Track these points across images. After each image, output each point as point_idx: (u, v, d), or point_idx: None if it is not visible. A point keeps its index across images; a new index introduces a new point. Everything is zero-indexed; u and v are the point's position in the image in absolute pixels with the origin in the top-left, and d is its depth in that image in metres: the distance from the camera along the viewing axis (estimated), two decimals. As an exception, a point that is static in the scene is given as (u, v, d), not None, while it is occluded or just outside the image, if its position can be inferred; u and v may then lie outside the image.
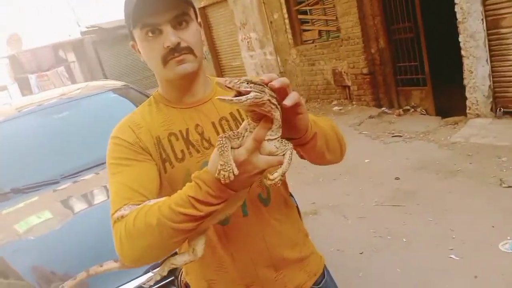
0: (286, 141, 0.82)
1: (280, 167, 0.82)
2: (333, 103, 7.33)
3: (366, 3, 6.23)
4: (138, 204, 0.91)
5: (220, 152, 0.77)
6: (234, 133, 0.80)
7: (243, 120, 1.04)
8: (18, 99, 10.68)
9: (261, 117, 0.78)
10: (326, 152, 1.00)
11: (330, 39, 7.10)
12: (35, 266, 2.09)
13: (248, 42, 8.97)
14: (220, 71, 10.63)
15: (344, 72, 6.89)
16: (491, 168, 3.70)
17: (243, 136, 0.80)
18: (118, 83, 4.12)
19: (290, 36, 7.77)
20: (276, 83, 0.77)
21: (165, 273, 1.00)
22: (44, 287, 1.97)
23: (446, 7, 5.50)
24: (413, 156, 4.44)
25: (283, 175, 0.82)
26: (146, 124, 1.04)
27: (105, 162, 1.02)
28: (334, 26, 6.95)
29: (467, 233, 2.90)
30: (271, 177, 0.82)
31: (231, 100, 0.72)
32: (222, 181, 0.77)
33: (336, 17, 6.73)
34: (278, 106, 0.78)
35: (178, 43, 0.96)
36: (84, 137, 3.19)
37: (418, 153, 4.51)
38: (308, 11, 7.42)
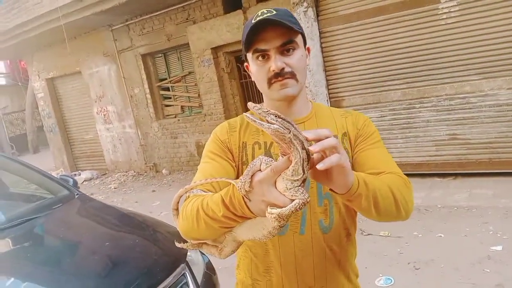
0: (303, 191, 0.80)
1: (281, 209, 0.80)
2: (197, 174, 7.58)
3: (226, 84, 6.92)
4: (205, 191, 1.03)
5: (249, 166, 0.84)
6: (268, 159, 0.85)
7: None
8: None
9: (286, 154, 0.80)
10: (373, 212, 0.95)
11: (193, 114, 7.52)
12: None
13: (105, 114, 8.77)
14: (69, 145, 9.97)
15: (207, 145, 7.29)
16: (350, 222, 4.35)
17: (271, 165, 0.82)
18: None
19: (152, 110, 7.94)
20: (315, 148, 0.77)
21: (190, 248, 1.10)
22: None
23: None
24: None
25: (280, 217, 0.80)
26: (240, 129, 1.17)
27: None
28: (196, 102, 7.42)
29: (347, 276, 3.34)
30: (268, 210, 0.82)
31: (255, 120, 0.77)
32: (238, 191, 0.84)
33: (199, 95, 7.23)
34: (302, 151, 0.78)
35: (283, 68, 1.05)
36: None
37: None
38: (170, 87, 7.78)
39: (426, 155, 5.06)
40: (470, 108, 4.65)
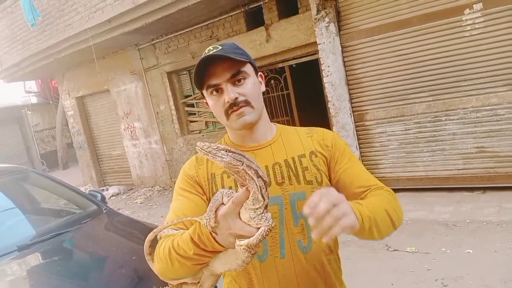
0: (267, 217, 0.84)
1: (249, 239, 0.83)
2: (221, 189, 7.65)
3: (249, 99, 6.98)
4: (177, 230, 1.06)
5: (211, 201, 0.87)
6: (229, 191, 0.88)
7: (296, 168, 1.16)
8: None
9: (244, 185, 0.84)
10: (375, 236, 1.03)
11: (216, 130, 7.61)
12: None
13: (131, 131, 8.98)
14: (97, 161, 10.23)
15: (231, 160, 7.35)
16: (376, 237, 4.28)
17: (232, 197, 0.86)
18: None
19: (177, 126, 8.09)
20: (317, 235, 0.82)
21: None
22: None
23: (318, 103, 6.54)
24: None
25: (249, 247, 0.83)
26: (207, 161, 1.19)
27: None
28: (220, 118, 7.52)
29: (373, 292, 3.29)
30: (236, 242, 0.85)
31: (208, 154, 0.81)
32: (204, 227, 0.87)
33: (222, 110, 7.32)
34: (257, 180, 0.82)
35: (236, 98, 1.09)
36: None
37: (310, 229, 4.95)
38: (195, 104, 7.92)
39: (453, 169, 4.95)
40: (498, 120, 4.55)
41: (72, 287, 2.32)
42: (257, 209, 0.83)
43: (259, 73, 1.20)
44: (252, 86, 1.13)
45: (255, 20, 6.55)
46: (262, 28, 6.35)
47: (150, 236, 1.08)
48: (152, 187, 8.96)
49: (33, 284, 2.41)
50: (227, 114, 1.12)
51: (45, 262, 2.65)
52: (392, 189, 4.42)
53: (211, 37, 7.10)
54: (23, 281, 2.45)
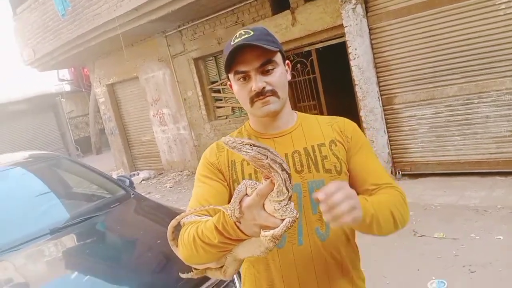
0: (291, 208, 0.86)
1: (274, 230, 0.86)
2: (248, 174, 7.71)
3: (275, 83, 6.94)
4: (199, 216, 1.08)
5: (235, 193, 0.90)
6: (253, 182, 0.90)
7: (315, 156, 1.17)
8: None
9: (269, 177, 0.86)
10: (374, 232, 1.05)
11: (243, 115, 7.63)
12: None
13: (160, 117, 9.14)
14: (128, 146, 10.49)
15: (258, 145, 7.37)
16: (403, 222, 4.23)
17: (256, 188, 0.88)
18: (21, 155, 3.67)
19: (204, 112, 8.16)
20: (329, 218, 0.87)
21: (195, 277, 1.16)
22: None
23: (346, 87, 6.44)
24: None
25: (274, 238, 0.86)
26: (228, 149, 1.19)
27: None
28: (246, 103, 7.53)
29: (398, 277, 3.25)
30: (262, 233, 0.87)
31: (233, 149, 0.83)
32: (229, 217, 0.90)
33: (249, 95, 7.33)
34: (282, 173, 0.83)
35: (263, 87, 1.10)
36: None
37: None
38: (221, 89, 7.96)
39: (486, 153, 4.80)
40: (534, 102, 4.36)
41: (103, 268, 2.42)
42: (281, 201, 0.85)
43: (286, 61, 1.20)
44: (280, 75, 1.13)
45: (280, 4, 6.47)
46: (288, 11, 6.27)
47: (173, 223, 1.11)
48: (181, 171, 9.13)
49: (64, 265, 2.53)
50: (252, 102, 1.13)
51: (75, 244, 2.77)
52: (422, 174, 4.36)
53: (236, 22, 7.07)
54: (55, 263, 2.57)
